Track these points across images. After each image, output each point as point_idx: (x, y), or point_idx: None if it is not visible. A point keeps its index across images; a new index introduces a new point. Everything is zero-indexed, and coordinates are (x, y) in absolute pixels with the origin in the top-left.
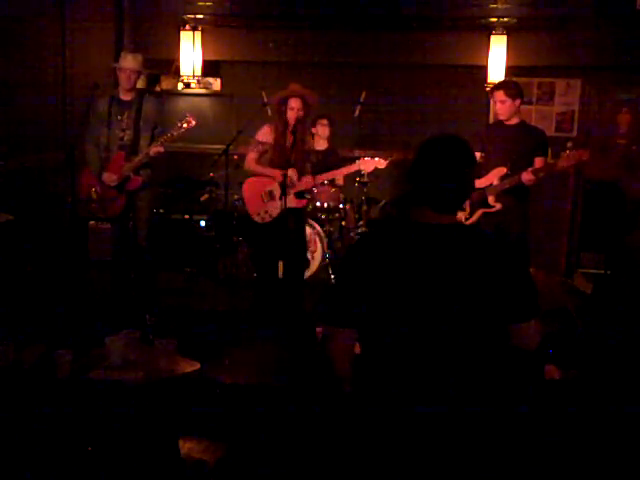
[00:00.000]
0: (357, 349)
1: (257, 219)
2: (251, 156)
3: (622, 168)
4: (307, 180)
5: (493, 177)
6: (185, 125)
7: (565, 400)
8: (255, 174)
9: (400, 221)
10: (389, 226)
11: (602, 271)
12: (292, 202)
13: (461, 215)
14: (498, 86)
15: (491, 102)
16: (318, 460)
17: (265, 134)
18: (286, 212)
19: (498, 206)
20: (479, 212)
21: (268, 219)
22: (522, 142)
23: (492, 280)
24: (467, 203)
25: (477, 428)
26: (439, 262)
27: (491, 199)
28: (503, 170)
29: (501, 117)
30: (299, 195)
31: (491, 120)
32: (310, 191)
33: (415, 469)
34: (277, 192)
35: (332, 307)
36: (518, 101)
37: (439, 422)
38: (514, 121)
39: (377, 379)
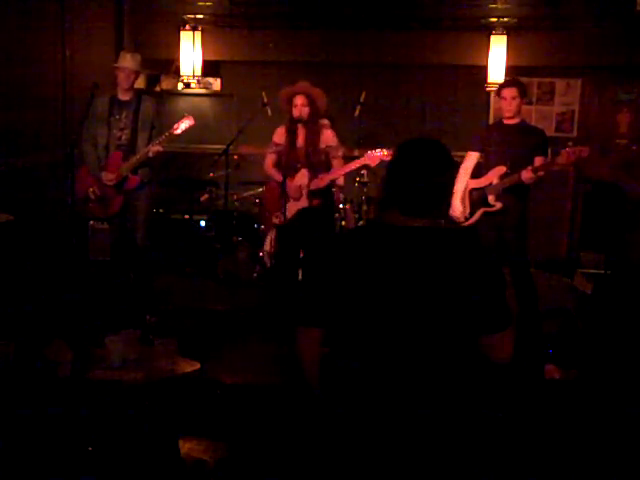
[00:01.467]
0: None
1: (276, 221)
2: (269, 159)
3: (622, 168)
4: (319, 180)
5: (493, 176)
6: (183, 125)
7: (565, 400)
8: (271, 177)
9: (373, 223)
10: (362, 228)
11: (602, 271)
12: (305, 203)
13: (461, 215)
14: (510, 83)
15: (493, 100)
16: (318, 460)
17: (279, 135)
18: (300, 213)
19: (498, 205)
20: (480, 211)
21: (285, 221)
22: (522, 142)
23: (462, 286)
24: (467, 203)
25: (447, 430)
26: (408, 265)
27: (491, 198)
28: (503, 169)
29: (507, 114)
30: (314, 195)
31: (491, 120)
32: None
33: (389, 471)
34: (291, 194)
35: (301, 306)
36: (524, 100)
37: (408, 424)
38: (515, 121)
39: (345, 380)
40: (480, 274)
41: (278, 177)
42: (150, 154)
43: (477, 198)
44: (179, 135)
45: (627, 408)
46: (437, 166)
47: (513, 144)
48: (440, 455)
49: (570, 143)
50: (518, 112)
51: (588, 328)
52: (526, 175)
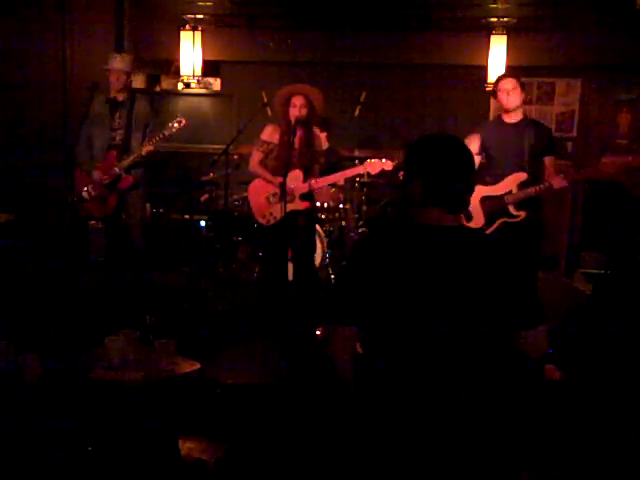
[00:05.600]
0: (359, 349)
1: (262, 221)
2: (256, 157)
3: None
4: (313, 182)
5: (511, 184)
6: (177, 125)
7: (565, 400)
8: (258, 176)
9: (404, 222)
10: (394, 226)
11: (602, 271)
12: (298, 205)
13: (475, 224)
14: (507, 74)
15: (492, 100)
16: (318, 460)
17: (270, 134)
18: (290, 214)
19: (522, 215)
20: (499, 222)
21: (273, 221)
22: (531, 140)
23: (498, 285)
24: (482, 213)
25: (478, 432)
26: (443, 265)
27: (512, 208)
28: (523, 176)
29: (510, 105)
30: (305, 197)
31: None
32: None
33: (415, 473)
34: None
35: (335, 305)
36: (524, 95)
37: (440, 426)
38: (518, 117)
39: (378, 381)
40: (514, 272)
41: (264, 174)
42: (143, 153)
43: (495, 207)
44: (172, 135)
45: (627, 408)
46: (468, 161)
47: (521, 145)
48: (471, 458)
49: (570, 143)
50: (519, 105)
51: (588, 328)
52: (560, 184)
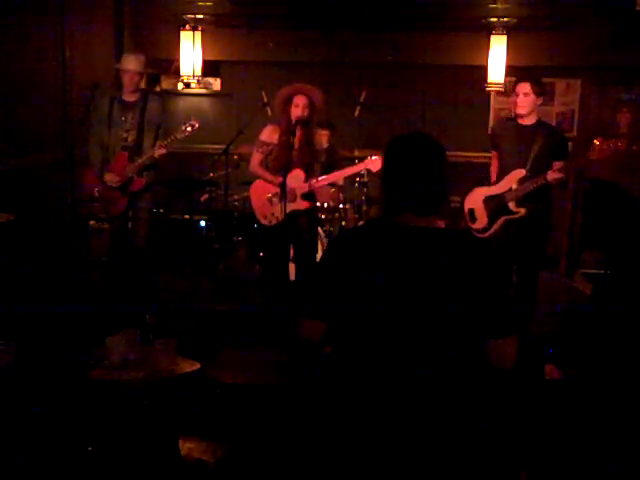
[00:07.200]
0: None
1: (264, 222)
2: (256, 158)
3: (622, 168)
4: (314, 182)
5: (511, 180)
6: (189, 129)
7: (565, 400)
8: (259, 177)
9: (380, 222)
10: (369, 225)
11: (602, 271)
12: (299, 204)
13: (479, 225)
14: (525, 78)
15: (493, 100)
16: (318, 459)
17: (269, 134)
18: (292, 214)
19: (522, 211)
20: (500, 220)
21: (275, 222)
22: (540, 142)
23: (467, 290)
24: (485, 213)
25: (447, 431)
26: (413, 266)
27: (512, 205)
28: (522, 172)
29: (520, 111)
30: (306, 196)
31: (491, 120)
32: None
33: (391, 469)
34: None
35: (306, 298)
36: (540, 100)
37: (408, 425)
38: (531, 120)
39: (347, 380)
40: (488, 279)
41: (265, 176)
42: (156, 156)
43: (495, 206)
44: (184, 138)
45: (627, 408)
46: (439, 162)
47: (530, 144)
48: (440, 456)
49: (570, 143)
50: (531, 110)
51: (588, 328)
52: (553, 176)
